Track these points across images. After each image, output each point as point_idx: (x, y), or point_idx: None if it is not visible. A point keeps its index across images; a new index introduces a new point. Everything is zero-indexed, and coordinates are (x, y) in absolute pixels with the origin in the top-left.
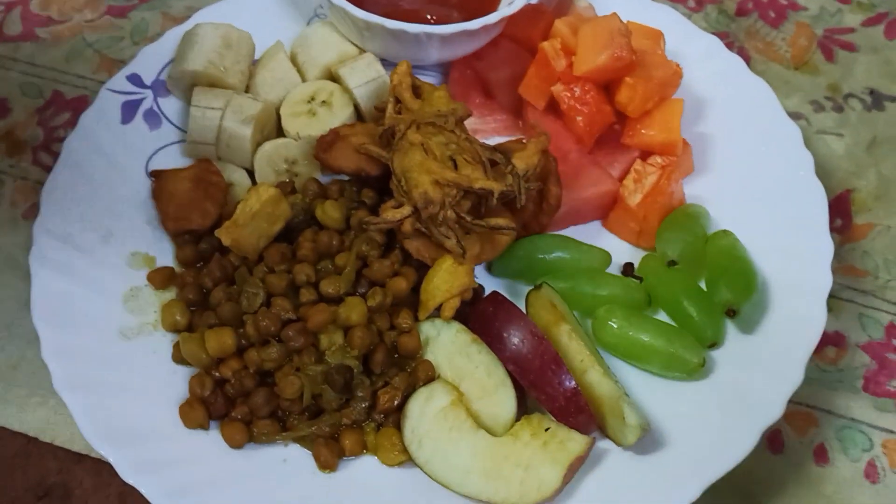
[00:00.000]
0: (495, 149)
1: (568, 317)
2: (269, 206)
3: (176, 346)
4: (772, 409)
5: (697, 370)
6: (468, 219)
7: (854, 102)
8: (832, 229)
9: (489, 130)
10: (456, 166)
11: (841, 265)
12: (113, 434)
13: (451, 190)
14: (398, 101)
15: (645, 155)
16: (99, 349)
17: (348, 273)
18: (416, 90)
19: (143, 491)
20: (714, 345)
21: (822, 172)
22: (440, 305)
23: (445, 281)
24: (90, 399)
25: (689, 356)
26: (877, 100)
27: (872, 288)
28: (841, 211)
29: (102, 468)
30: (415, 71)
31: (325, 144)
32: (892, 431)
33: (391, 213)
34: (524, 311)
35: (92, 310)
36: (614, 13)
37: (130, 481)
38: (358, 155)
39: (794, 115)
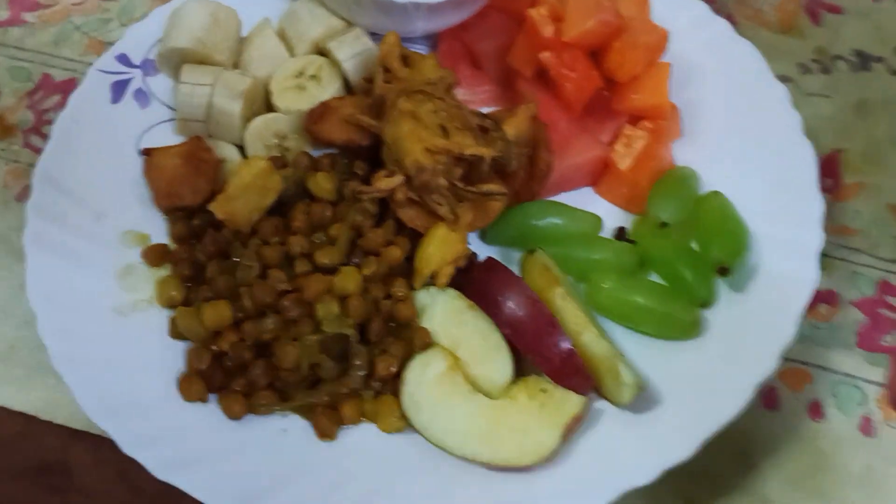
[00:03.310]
0: (485, 115)
1: (562, 280)
2: (261, 178)
3: (172, 322)
4: (765, 364)
5: (691, 330)
6: (460, 185)
7: (841, 64)
8: (822, 189)
9: (478, 102)
10: (447, 134)
11: (832, 224)
12: (112, 408)
13: (443, 157)
14: (387, 70)
15: (634, 120)
16: (95, 326)
17: (342, 243)
18: (405, 59)
19: (143, 463)
20: (706, 304)
21: (811, 134)
22: (435, 273)
23: (439, 249)
24: (89, 375)
25: (683, 316)
26: (864, 61)
27: (864, 246)
28: (830, 171)
29: (102, 444)
30: (403, 43)
31: (314, 117)
32: (886, 386)
33: (383, 182)
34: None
35: (87, 288)
36: None
37: (130, 454)
38: (348, 126)
39: (782, 79)
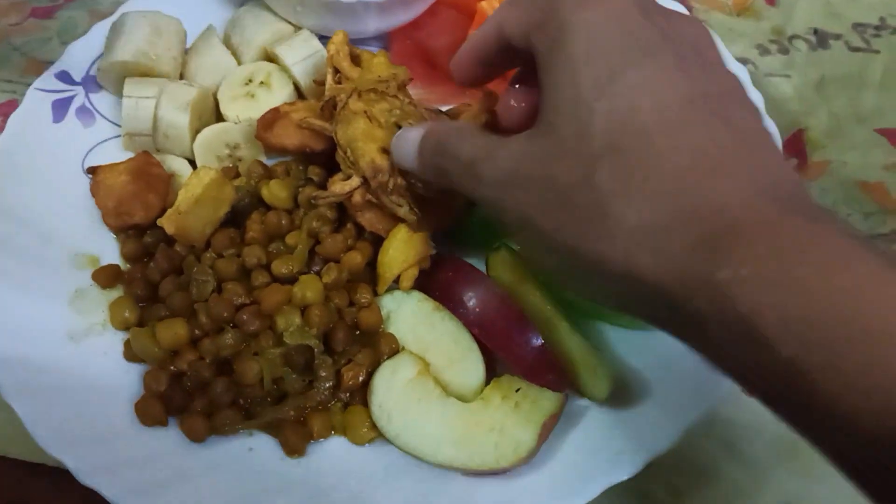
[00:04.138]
0: (441, 112)
1: (530, 276)
2: (213, 189)
3: (127, 344)
4: None
5: None
6: (419, 185)
7: (799, 43)
8: None
9: (434, 100)
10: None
11: None
12: (68, 438)
13: (448, 121)
14: (337, 71)
15: None
16: (47, 354)
17: (300, 251)
18: (355, 59)
19: (103, 493)
20: None
21: (774, 114)
22: (398, 277)
23: (402, 251)
24: (41, 404)
25: None
26: (821, 39)
27: None
28: (796, 150)
29: (62, 477)
30: (355, 44)
31: (265, 123)
32: None
33: (339, 186)
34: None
35: (36, 314)
36: None
37: (88, 483)
38: (301, 131)
39: (741, 61)
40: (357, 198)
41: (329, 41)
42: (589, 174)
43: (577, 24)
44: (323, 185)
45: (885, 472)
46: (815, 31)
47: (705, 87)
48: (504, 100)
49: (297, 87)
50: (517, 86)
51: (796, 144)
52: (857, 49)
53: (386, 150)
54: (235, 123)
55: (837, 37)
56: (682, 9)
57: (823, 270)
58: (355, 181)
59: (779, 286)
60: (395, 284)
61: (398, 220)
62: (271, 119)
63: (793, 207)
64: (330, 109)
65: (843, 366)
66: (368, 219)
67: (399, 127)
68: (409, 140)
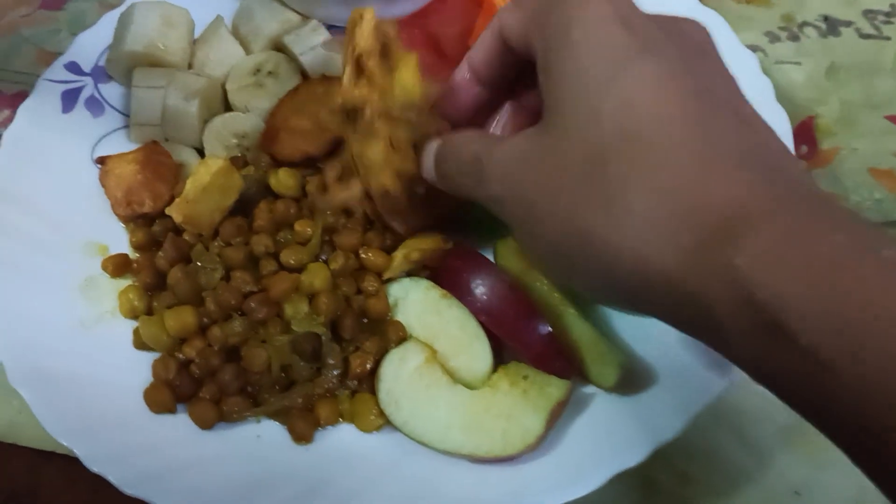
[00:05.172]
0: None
1: None
2: (220, 177)
3: (136, 332)
4: None
5: None
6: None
7: (809, 30)
8: (799, 156)
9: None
10: (417, 151)
11: None
12: (76, 425)
13: (412, 181)
14: (359, 67)
15: None
16: (56, 342)
17: (313, 245)
18: (384, 50)
19: (111, 479)
20: None
21: (784, 101)
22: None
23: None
24: (50, 392)
25: None
26: (832, 26)
27: None
28: (806, 138)
29: (72, 464)
30: None
31: (268, 138)
32: None
33: (340, 195)
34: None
35: (46, 303)
36: None
37: (97, 470)
38: (303, 139)
39: (751, 48)
40: (357, 212)
41: (357, 29)
42: (599, 164)
43: (579, 22)
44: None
45: None
46: (826, 18)
47: (709, 82)
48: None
49: (305, 77)
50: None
51: (807, 132)
52: (868, 36)
53: (399, 174)
54: (244, 113)
55: (848, 24)
56: (699, 7)
57: (842, 255)
58: (356, 191)
59: (797, 270)
60: (404, 273)
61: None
62: (273, 134)
63: (805, 194)
64: (347, 114)
65: (868, 354)
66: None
67: (415, 148)
68: (429, 153)
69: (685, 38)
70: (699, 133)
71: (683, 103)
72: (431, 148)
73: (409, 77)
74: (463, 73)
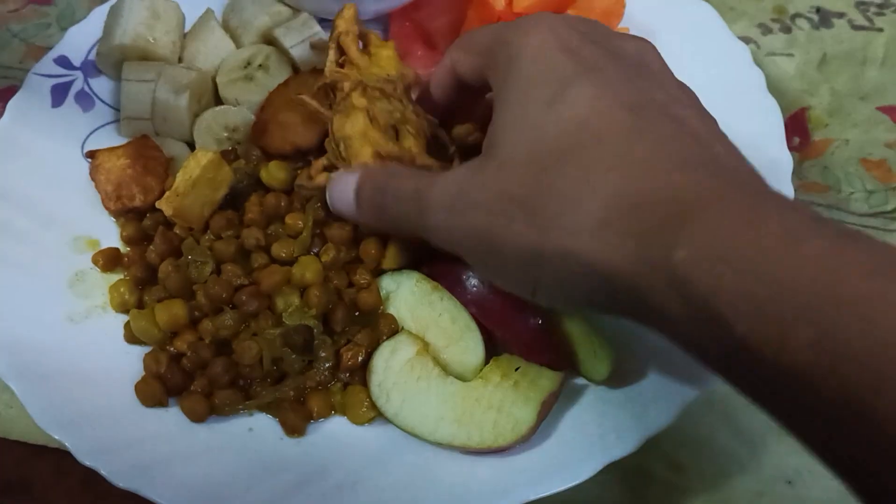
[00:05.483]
0: (441, 127)
1: None
2: (210, 170)
3: (127, 326)
4: None
5: None
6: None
7: (801, 22)
8: (791, 148)
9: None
10: (398, 136)
11: (803, 182)
12: (67, 419)
13: (392, 163)
14: (341, 51)
15: None
16: (47, 336)
17: (304, 238)
18: (363, 38)
19: (103, 472)
20: None
21: (776, 93)
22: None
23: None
24: (41, 386)
25: None
26: (824, 17)
27: (836, 201)
28: (798, 129)
29: (63, 458)
30: None
31: (259, 131)
32: None
33: (323, 178)
34: None
35: (36, 297)
36: None
37: (88, 463)
38: (293, 132)
39: (743, 40)
40: None
41: (338, 16)
42: (544, 180)
43: (524, 49)
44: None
45: (842, 440)
46: (818, 10)
47: (652, 94)
48: None
49: (295, 70)
50: None
51: (799, 123)
52: (860, 27)
53: (380, 155)
54: (234, 106)
55: (840, 15)
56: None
57: (773, 246)
58: None
59: (729, 262)
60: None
61: None
62: (263, 126)
63: (745, 189)
64: (328, 93)
65: (793, 340)
66: None
67: (396, 131)
68: (347, 183)
69: (627, 55)
70: (637, 141)
71: (621, 116)
72: (348, 179)
73: (386, 57)
74: (424, 96)
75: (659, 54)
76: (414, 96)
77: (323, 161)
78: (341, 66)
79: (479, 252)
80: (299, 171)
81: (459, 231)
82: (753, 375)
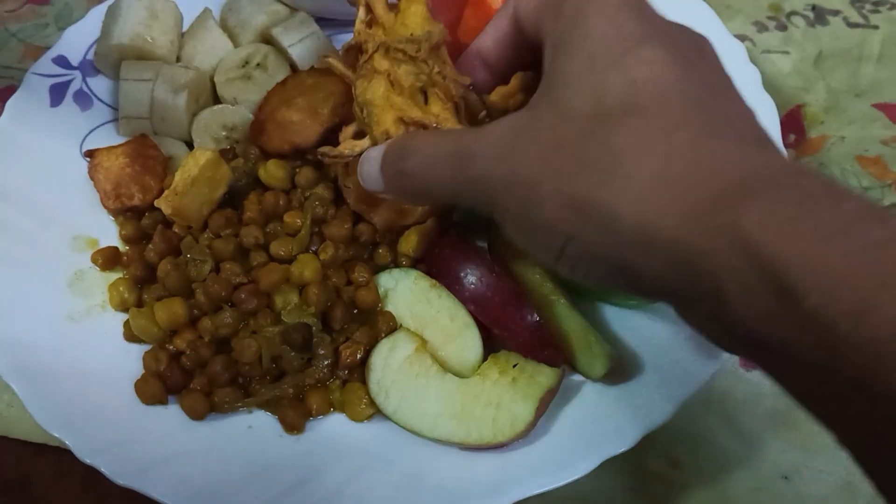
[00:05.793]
0: (473, 92)
1: None
2: (209, 169)
3: (126, 325)
4: None
5: None
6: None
7: (797, 20)
8: (787, 145)
9: None
10: (426, 100)
11: None
12: (68, 417)
13: (417, 130)
14: (369, 11)
15: None
16: (47, 335)
17: (303, 236)
18: None
19: (103, 470)
20: None
21: (772, 90)
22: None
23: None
24: (41, 385)
25: None
26: (819, 15)
27: None
28: (794, 126)
29: (63, 457)
30: (352, 28)
31: (257, 130)
32: None
33: (350, 145)
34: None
35: (36, 296)
36: None
37: (89, 462)
38: (291, 131)
39: (738, 38)
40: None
41: None
42: (604, 133)
43: (594, 7)
44: (319, 165)
45: None
46: (814, 8)
47: (709, 77)
48: None
49: (293, 69)
50: None
51: (795, 120)
52: (855, 25)
53: (403, 120)
54: (232, 105)
55: (836, 13)
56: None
57: (851, 222)
58: (366, 143)
59: (805, 233)
60: (393, 263)
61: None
62: (261, 125)
63: (808, 171)
64: (355, 54)
65: (873, 320)
66: (354, 199)
67: (424, 94)
68: (372, 160)
69: (689, 38)
70: (702, 112)
71: (687, 87)
72: (373, 154)
73: (414, 15)
74: (470, 58)
75: (714, 49)
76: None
77: (351, 128)
78: (370, 26)
79: (516, 205)
80: (298, 170)
81: (500, 182)
82: (816, 353)
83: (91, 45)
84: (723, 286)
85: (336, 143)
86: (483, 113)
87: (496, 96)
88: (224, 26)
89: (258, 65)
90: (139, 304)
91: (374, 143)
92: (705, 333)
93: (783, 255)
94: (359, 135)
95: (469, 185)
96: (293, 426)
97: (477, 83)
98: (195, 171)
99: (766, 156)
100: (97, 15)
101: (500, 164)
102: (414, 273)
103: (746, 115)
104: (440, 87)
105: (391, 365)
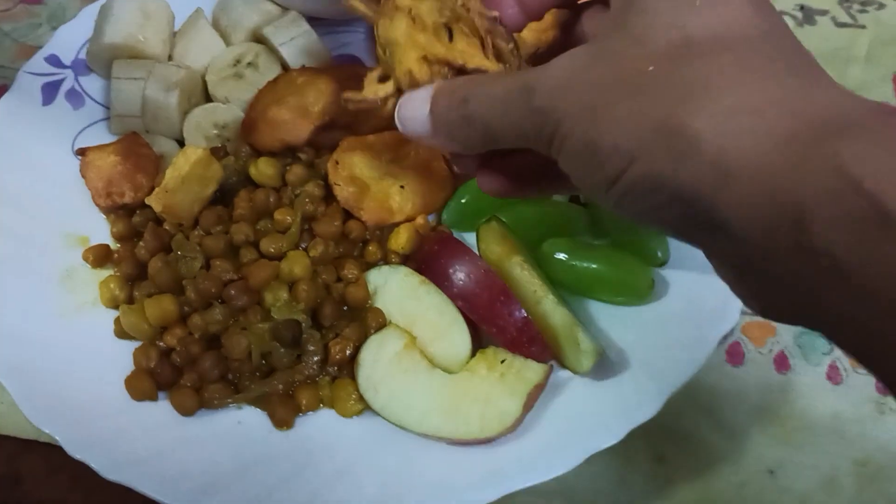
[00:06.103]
0: (497, 19)
1: (520, 248)
2: (199, 167)
3: (117, 321)
4: (726, 317)
5: (647, 292)
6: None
7: (785, 19)
8: None
9: None
10: (451, 36)
11: None
12: (58, 413)
13: (442, 68)
14: None
15: None
16: (38, 332)
17: (293, 234)
18: None
19: (93, 465)
20: (662, 264)
21: None
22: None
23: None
24: (32, 381)
25: (638, 280)
26: (807, 15)
27: None
28: None
29: (54, 452)
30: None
31: (248, 128)
32: None
33: (373, 89)
34: (476, 248)
35: (27, 293)
36: None
37: (79, 457)
38: (282, 129)
39: None
40: (388, 107)
41: None
42: (688, 61)
43: None
44: (311, 164)
45: None
46: (802, 7)
47: (785, 26)
48: None
49: (284, 68)
50: None
51: None
52: (843, 25)
53: (427, 59)
54: (224, 104)
55: (824, 13)
56: None
57: None
58: (390, 87)
59: None
60: (382, 260)
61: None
62: (252, 123)
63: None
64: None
65: None
66: (345, 195)
67: (449, 30)
68: (417, 101)
69: None
70: (784, 55)
71: (770, 28)
72: (418, 96)
73: None
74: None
75: None
76: None
77: (376, 72)
78: None
79: (581, 129)
80: (288, 168)
81: (568, 107)
82: None
83: (83, 44)
84: (809, 213)
85: (325, 141)
86: (511, 44)
87: (528, 32)
88: (216, 26)
89: (249, 64)
90: (130, 300)
91: (398, 85)
92: (741, 277)
93: (886, 185)
94: (384, 78)
95: (533, 115)
96: (283, 422)
97: (506, 20)
98: (186, 168)
99: (854, 97)
100: (89, 14)
101: (568, 92)
102: (403, 270)
103: (818, 64)
104: (465, 22)
105: (380, 361)
